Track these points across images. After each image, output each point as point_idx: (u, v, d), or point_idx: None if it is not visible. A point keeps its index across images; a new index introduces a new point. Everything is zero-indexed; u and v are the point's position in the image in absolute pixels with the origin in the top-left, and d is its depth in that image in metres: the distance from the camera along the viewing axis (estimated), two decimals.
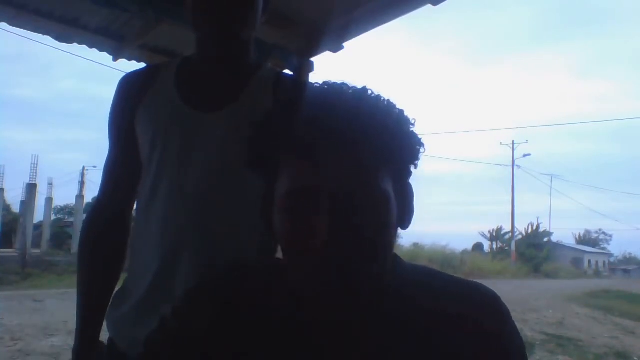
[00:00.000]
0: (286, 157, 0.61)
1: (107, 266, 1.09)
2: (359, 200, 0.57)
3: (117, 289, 1.10)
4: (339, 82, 0.65)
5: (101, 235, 1.09)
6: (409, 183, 0.68)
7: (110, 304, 1.07)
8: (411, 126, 0.64)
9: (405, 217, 0.67)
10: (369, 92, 0.63)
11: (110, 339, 1.05)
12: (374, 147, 0.60)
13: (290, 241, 0.61)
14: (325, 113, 0.59)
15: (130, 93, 1.07)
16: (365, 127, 0.59)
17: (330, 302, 0.60)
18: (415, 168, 0.67)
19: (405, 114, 0.64)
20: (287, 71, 1.97)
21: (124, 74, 1.14)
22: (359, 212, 0.57)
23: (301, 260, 0.60)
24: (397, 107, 0.64)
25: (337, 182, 0.57)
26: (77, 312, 1.07)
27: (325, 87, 0.64)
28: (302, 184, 0.59)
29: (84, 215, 1.17)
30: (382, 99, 0.63)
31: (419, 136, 0.65)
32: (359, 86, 0.64)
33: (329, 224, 0.56)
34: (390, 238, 0.61)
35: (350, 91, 0.63)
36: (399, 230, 0.66)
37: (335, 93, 0.62)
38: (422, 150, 0.66)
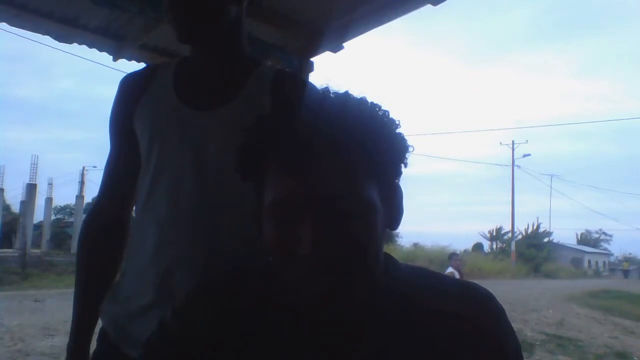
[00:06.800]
0: (271, 165, 0.62)
1: (104, 270, 1.09)
2: (342, 207, 0.58)
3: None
4: (321, 86, 0.64)
5: (99, 238, 1.09)
6: (398, 184, 0.68)
7: (105, 297, 1.07)
8: (396, 127, 0.64)
9: (394, 218, 0.67)
10: (352, 95, 0.63)
11: (102, 330, 1.05)
12: (356, 152, 0.60)
13: (276, 249, 0.61)
14: (308, 120, 0.59)
15: (129, 93, 1.07)
16: (349, 132, 0.59)
17: (321, 305, 0.60)
18: (405, 167, 0.66)
19: (390, 116, 0.64)
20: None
21: (124, 74, 1.14)
22: (343, 219, 0.58)
23: (287, 267, 0.60)
24: (382, 109, 0.63)
25: (320, 190, 0.58)
26: (72, 313, 1.08)
27: (310, 93, 0.64)
28: (284, 194, 0.59)
29: (84, 215, 1.17)
30: (366, 101, 0.63)
31: (405, 137, 0.65)
32: (342, 90, 0.63)
33: (312, 233, 0.56)
34: (376, 241, 0.61)
35: (333, 96, 0.63)
36: (398, 230, 0.67)
37: (318, 98, 0.62)
38: (409, 150, 0.65)
